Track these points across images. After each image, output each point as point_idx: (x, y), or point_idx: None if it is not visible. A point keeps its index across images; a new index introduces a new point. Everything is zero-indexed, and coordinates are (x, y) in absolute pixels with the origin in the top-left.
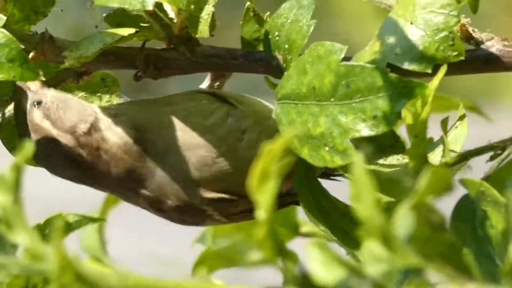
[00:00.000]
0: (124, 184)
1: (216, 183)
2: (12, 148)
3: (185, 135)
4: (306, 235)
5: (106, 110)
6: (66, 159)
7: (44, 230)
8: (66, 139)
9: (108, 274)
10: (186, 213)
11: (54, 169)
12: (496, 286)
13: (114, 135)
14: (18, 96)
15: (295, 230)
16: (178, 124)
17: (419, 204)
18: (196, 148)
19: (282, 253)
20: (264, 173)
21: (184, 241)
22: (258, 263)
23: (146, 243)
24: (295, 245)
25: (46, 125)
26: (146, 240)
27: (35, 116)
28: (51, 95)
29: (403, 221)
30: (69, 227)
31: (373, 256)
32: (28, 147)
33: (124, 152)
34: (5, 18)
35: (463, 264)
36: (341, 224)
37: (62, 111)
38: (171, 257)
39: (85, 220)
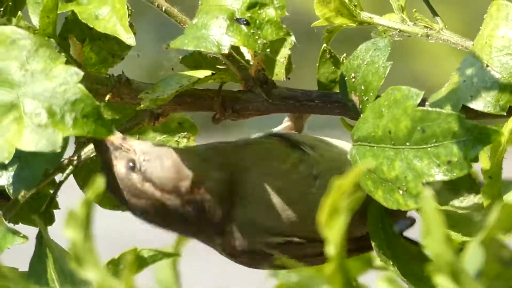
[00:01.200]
0: (207, 228)
1: (285, 228)
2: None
3: (265, 179)
4: (379, 268)
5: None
6: (175, 218)
7: (118, 265)
8: (172, 201)
9: None
10: (254, 257)
11: (165, 226)
12: None
13: (213, 184)
14: (99, 150)
15: (368, 263)
16: (260, 167)
17: (489, 239)
18: (272, 193)
19: None
20: (333, 208)
21: (256, 276)
22: None
23: (220, 278)
24: (369, 278)
25: (148, 189)
26: (219, 276)
27: (134, 180)
28: (139, 149)
29: (473, 256)
30: (143, 262)
31: None
32: (99, 183)
33: (221, 199)
34: (82, 73)
35: None
36: (412, 267)
37: (157, 166)
38: None
39: (159, 255)
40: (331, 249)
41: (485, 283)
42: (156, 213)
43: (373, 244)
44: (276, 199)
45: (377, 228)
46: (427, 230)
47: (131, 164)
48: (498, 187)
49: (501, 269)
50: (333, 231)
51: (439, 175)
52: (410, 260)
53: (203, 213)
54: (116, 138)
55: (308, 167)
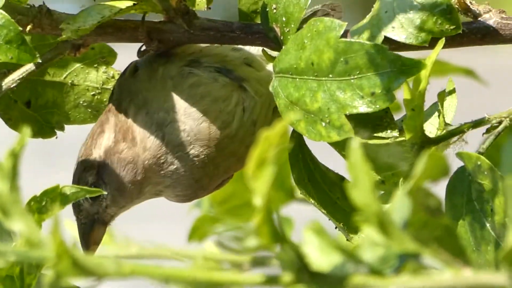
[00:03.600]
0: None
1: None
2: (8, 119)
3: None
4: (301, 199)
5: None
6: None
7: (40, 202)
8: None
9: (104, 261)
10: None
11: None
12: (491, 271)
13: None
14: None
15: (290, 195)
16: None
17: (416, 188)
18: (227, 159)
19: (279, 239)
20: (261, 160)
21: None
22: (256, 249)
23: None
24: (290, 210)
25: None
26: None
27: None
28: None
29: (400, 206)
30: (66, 199)
31: (370, 242)
32: (25, 134)
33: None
34: (3, 1)
35: (459, 249)
36: (331, 196)
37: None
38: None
39: (82, 192)
40: (258, 200)
41: (412, 233)
42: None
43: (293, 176)
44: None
45: (297, 160)
46: (355, 181)
47: None
48: (420, 120)
49: (428, 218)
50: (260, 183)
51: (363, 107)
52: (329, 190)
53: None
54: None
55: (250, 114)
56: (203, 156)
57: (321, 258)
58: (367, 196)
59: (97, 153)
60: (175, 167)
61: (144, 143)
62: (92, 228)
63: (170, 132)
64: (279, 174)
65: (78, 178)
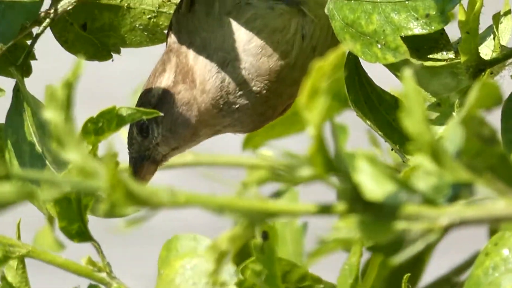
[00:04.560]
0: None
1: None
2: (64, 42)
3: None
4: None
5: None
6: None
7: (97, 123)
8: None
9: (159, 191)
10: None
11: None
12: None
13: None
14: None
15: (344, 103)
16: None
17: (469, 117)
18: (286, 89)
19: (333, 168)
20: (314, 90)
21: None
22: (309, 179)
23: None
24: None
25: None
26: None
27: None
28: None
29: (453, 135)
30: (122, 120)
31: (423, 171)
32: (79, 64)
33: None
34: None
35: None
36: (388, 118)
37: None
38: None
39: (138, 113)
40: (312, 130)
41: (465, 162)
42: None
43: (349, 98)
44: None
45: (353, 81)
46: (408, 111)
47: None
48: (475, 43)
49: (481, 147)
50: (313, 113)
51: (417, 29)
52: (386, 112)
53: None
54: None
55: (310, 39)
56: (265, 91)
57: (375, 187)
58: (420, 125)
59: (156, 92)
60: (237, 106)
61: (203, 86)
62: (141, 165)
63: (230, 71)
64: (334, 84)
65: None
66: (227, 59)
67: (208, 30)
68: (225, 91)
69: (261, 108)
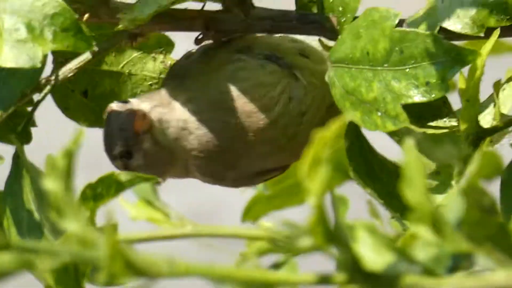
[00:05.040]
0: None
1: (271, 165)
2: (65, 109)
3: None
4: None
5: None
6: None
7: (96, 189)
8: None
9: (158, 261)
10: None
11: None
12: None
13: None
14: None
15: (345, 174)
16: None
17: (470, 187)
18: (260, 144)
19: (333, 239)
20: (315, 159)
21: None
22: (309, 249)
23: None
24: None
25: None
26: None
27: (119, 167)
28: (146, 149)
29: (454, 205)
30: (121, 186)
31: (423, 241)
32: (80, 133)
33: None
34: None
35: None
36: (389, 186)
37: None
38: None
39: (138, 179)
40: (313, 200)
41: (466, 232)
42: None
43: (350, 166)
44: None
45: (354, 149)
46: (409, 180)
47: (127, 153)
48: (475, 110)
49: (482, 217)
50: (315, 183)
51: (418, 96)
52: (387, 180)
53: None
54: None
55: (298, 104)
56: (230, 128)
57: (375, 258)
58: (420, 195)
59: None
60: (200, 134)
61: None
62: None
63: (200, 104)
64: (335, 154)
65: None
66: (202, 95)
67: (194, 71)
68: (193, 120)
69: (225, 143)
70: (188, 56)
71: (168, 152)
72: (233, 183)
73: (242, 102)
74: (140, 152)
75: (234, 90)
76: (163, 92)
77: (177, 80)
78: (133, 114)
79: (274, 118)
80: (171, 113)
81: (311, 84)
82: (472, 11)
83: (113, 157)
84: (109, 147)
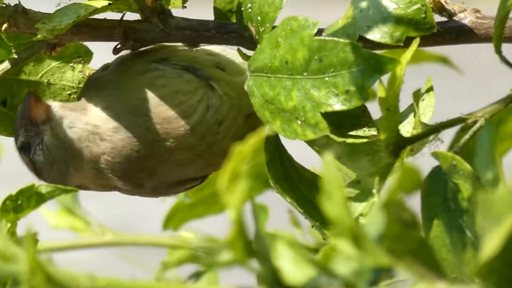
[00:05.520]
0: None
1: (188, 175)
2: None
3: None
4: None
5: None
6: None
7: (16, 201)
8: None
9: (78, 276)
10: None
11: None
12: (465, 285)
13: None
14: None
15: (266, 183)
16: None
17: (390, 202)
18: (179, 150)
19: (253, 253)
20: (234, 174)
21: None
22: (229, 263)
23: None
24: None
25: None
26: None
27: (22, 158)
28: (46, 142)
29: (374, 220)
30: (41, 198)
31: (343, 255)
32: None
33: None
34: None
35: (434, 262)
36: (308, 195)
37: (46, 169)
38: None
39: (57, 191)
40: (232, 214)
41: (386, 246)
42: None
43: (269, 174)
44: (182, 157)
45: (273, 158)
46: (328, 195)
47: (26, 146)
48: (395, 119)
49: (402, 231)
50: (234, 197)
51: (337, 105)
52: (306, 189)
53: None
54: (40, 116)
55: (215, 113)
56: (149, 133)
57: (295, 272)
58: (340, 209)
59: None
60: (116, 140)
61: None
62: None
63: (118, 111)
64: (256, 164)
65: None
66: (117, 100)
67: (111, 80)
68: (107, 124)
69: (143, 150)
70: (104, 68)
71: (71, 151)
72: (152, 192)
73: (162, 109)
74: (40, 146)
75: (153, 97)
76: (80, 101)
77: (93, 90)
78: (30, 98)
79: (193, 125)
80: (80, 116)
81: (227, 94)
82: (391, 20)
83: (18, 150)
84: (15, 140)
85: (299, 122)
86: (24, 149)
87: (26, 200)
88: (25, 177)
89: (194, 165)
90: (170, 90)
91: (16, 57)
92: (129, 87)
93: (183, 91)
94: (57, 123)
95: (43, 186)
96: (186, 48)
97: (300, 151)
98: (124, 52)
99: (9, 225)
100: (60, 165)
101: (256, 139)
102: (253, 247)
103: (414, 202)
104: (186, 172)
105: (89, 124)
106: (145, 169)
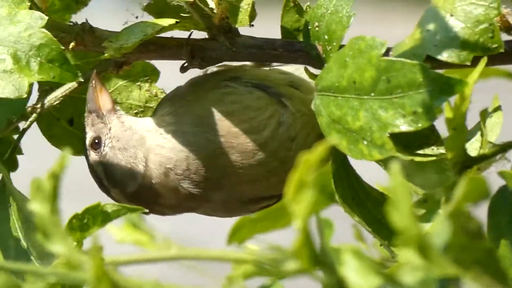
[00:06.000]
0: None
1: (264, 193)
2: (51, 137)
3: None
4: None
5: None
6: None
7: (82, 219)
8: (117, 196)
9: (144, 284)
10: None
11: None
12: None
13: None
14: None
15: (331, 198)
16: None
17: (456, 212)
18: (248, 165)
19: (318, 262)
20: (300, 183)
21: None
22: (295, 273)
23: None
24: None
25: (100, 174)
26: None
27: (92, 160)
28: (113, 132)
29: (440, 229)
30: (107, 217)
31: (409, 265)
32: (65, 156)
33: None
34: (46, 18)
35: (500, 272)
36: (376, 214)
37: (116, 160)
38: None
39: (123, 210)
40: (298, 223)
41: (452, 256)
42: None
43: (336, 194)
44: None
45: (341, 177)
46: (395, 205)
47: (96, 140)
48: (462, 139)
49: (469, 241)
50: (300, 206)
51: (404, 126)
52: (374, 208)
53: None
54: (105, 105)
55: (287, 129)
56: (212, 145)
57: (360, 282)
58: (406, 219)
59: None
60: (174, 144)
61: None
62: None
63: (181, 117)
64: (321, 178)
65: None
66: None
67: (182, 97)
68: (180, 145)
69: (213, 170)
70: (176, 89)
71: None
72: (224, 208)
73: (229, 123)
74: (108, 135)
75: (221, 111)
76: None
77: (163, 104)
78: (94, 88)
79: (263, 141)
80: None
81: (300, 111)
82: (459, 40)
83: (87, 149)
84: (84, 139)
85: (365, 143)
86: (95, 145)
87: (92, 219)
88: (91, 195)
89: (267, 182)
90: (240, 106)
91: (82, 80)
92: (198, 99)
93: (253, 107)
94: (121, 114)
95: (109, 205)
96: (258, 68)
97: (367, 169)
98: (192, 71)
99: (75, 243)
100: (129, 152)
101: (323, 148)
102: (318, 256)
103: (481, 213)
104: (259, 189)
105: (150, 125)
106: (208, 179)
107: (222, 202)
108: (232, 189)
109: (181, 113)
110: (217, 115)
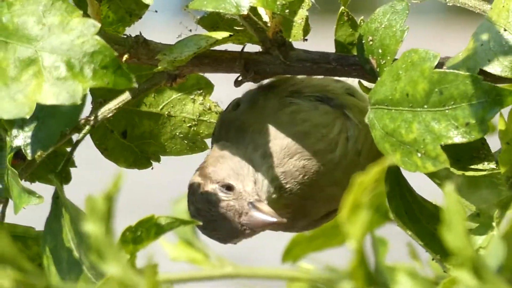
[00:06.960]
0: None
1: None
2: (104, 149)
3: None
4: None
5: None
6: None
7: (135, 232)
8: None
9: None
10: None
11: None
12: None
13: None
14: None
15: (385, 216)
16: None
17: (510, 232)
18: (328, 186)
19: (373, 282)
20: (355, 204)
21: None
22: None
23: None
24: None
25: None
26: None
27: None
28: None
29: (494, 250)
30: (160, 229)
31: (464, 286)
32: (120, 176)
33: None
34: (99, 25)
35: None
36: (429, 227)
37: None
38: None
39: (177, 222)
40: (353, 244)
41: (507, 276)
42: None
43: (390, 208)
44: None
45: (394, 191)
46: (449, 225)
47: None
48: None
49: None
50: (355, 227)
51: (457, 137)
52: (427, 221)
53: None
54: (251, 194)
55: (354, 143)
56: (305, 173)
57: None
58: (460, 240)
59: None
60: (269, 185)
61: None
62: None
63: (267, 151)
64: (376, 194)
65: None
66: (264, 142)
67: (248, 120)
68: (260, 173)
69: (298, 203)
70: (234, 106)
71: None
72: (300, 230)
73: (311, 142)
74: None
75: (296, 132)
76: (222, 144)
77: (233, 132)
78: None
79: (338, 159)
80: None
81: (361, 122)
82: None
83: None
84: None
85: (419, 155)
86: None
87: (145, 231)
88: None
89: (339, 198)
90: (311, 124)
91: (136, 87)
92: (270, 126)
93: (323, 124)
94: None
95: (163, 218)
96: (313, 76)
97: (420, 182)
98: (246, 85)
99: (128, 256)
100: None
101: (377, 169)
102: (373, 277)
103: None
104: (331, 207)
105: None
106: (302, 211)
107: (300, 228)
108: (315, 214)
109: (267, 147)
110: (299, 139)
